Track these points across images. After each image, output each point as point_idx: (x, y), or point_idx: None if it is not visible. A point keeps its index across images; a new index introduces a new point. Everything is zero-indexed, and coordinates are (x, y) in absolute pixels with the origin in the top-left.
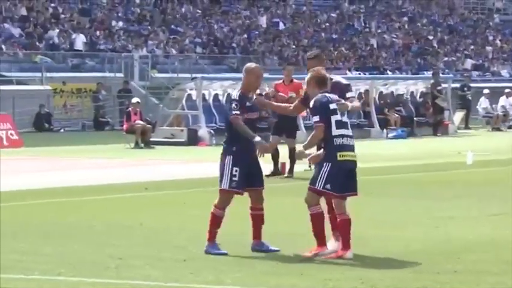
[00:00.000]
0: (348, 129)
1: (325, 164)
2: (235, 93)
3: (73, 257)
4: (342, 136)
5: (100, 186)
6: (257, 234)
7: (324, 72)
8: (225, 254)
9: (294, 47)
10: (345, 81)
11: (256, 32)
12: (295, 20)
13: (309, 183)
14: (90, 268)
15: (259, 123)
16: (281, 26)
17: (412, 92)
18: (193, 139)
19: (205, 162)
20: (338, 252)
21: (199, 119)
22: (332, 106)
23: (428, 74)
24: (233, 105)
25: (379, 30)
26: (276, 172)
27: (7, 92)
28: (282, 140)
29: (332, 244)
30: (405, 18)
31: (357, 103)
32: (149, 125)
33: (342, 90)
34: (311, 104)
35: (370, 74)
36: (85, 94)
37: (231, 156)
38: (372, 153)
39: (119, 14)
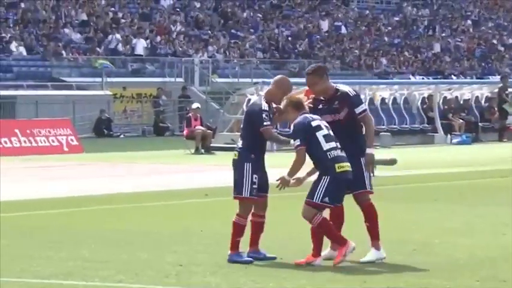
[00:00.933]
0: (337, 142)
1: (323, 178)
2: (263, 103)
3: (133, 263)
4: (334, 148)
5: (160, 193)
6: (255, 242)
7: (298, 96)
8: (251, 262)
9: (356, 51)
10: (352, 92)
11: (318, 36)
12: (357, 24)
13: (306, 197)
14: (150, 275)
15: None
16: (343, 30)
17: (477, 97)
18: None
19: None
20: (308, 258)
21: None
22: (315, 123)
23: (494, 78)
24: (264, 115)
25: (443, 34)
26: None
27: (67, 97)
28: None
29: (373, 253)
30: (469, 22)
31: (371, 135)
32: (210, 131)
33: (350, 104)
34: (291, 127)
35: (434, 78)
36: (145, 99)
37: (250, 164)
38: (435, 159)
39: (179, 19)
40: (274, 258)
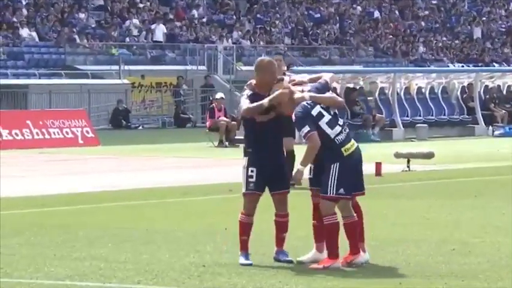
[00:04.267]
0: (339, 119)
1: (332, 166)
2: (245, 93)
3: (153, 264)
4: (340, 133)
5: (181, 188)
6: (278, 242)
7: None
8: (250, 265)
9: (390, 37)
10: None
11: (350, 21)
12: (392, 8)
13: (321, 192)
14: (171, 276)
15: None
16: (376, 14)
17: None
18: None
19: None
20: (347, 258)
21: None
22: (314, 111)
23: None
24: (243, 98)
25: (484, 18)
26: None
27: (82, 86)
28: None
29: (313, 254)
30: None
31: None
32: (234, 122)
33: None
34: (293, 117)
35: (474, 66)
36: (165, 88)
37: (247, 158)
38: (476, 152)
39: (202, 3)
40: (291, 261)
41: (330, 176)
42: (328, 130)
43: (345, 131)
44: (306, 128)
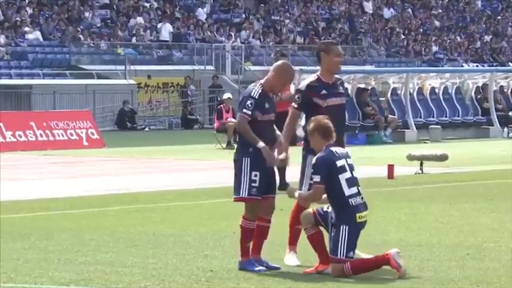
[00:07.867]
0: (358, 185)
1: (342, 228)
2: (256, 90)
3: (160, 268)
4: (356, 195)
5: (189, 191)
6: (256, 248)
7: (327, 121)
8: (263, 271)
9: (403, 36)
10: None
11: (361, 20)
12: (404, 6)
13: (330, 253)
14: (178, 281)
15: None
16: (389, 12)
17: None
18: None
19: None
20: (318, 266)
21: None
22: (340, 163)
23: None
24: (248, 102)
25: (499, 17)
26: (284, 185)
27: (87, 86)
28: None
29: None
30: None
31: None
32: None
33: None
34: (313, 160)
35: (489, 66)
36: (172, 89)
37: (249, 159)
38: (491, 154)
39: (209, 1)
40: (278, 268)
41: (340, 239)
42: (345, 187)
43: (361, 197)
44: (318, 177)
